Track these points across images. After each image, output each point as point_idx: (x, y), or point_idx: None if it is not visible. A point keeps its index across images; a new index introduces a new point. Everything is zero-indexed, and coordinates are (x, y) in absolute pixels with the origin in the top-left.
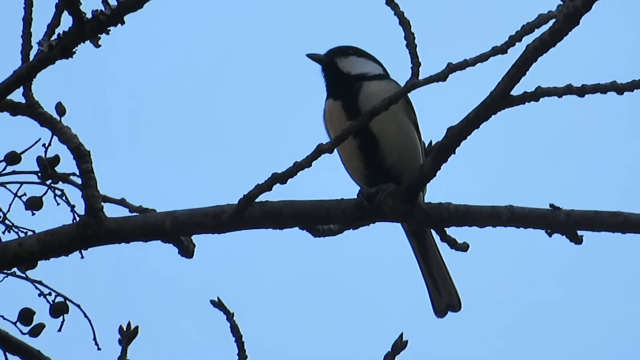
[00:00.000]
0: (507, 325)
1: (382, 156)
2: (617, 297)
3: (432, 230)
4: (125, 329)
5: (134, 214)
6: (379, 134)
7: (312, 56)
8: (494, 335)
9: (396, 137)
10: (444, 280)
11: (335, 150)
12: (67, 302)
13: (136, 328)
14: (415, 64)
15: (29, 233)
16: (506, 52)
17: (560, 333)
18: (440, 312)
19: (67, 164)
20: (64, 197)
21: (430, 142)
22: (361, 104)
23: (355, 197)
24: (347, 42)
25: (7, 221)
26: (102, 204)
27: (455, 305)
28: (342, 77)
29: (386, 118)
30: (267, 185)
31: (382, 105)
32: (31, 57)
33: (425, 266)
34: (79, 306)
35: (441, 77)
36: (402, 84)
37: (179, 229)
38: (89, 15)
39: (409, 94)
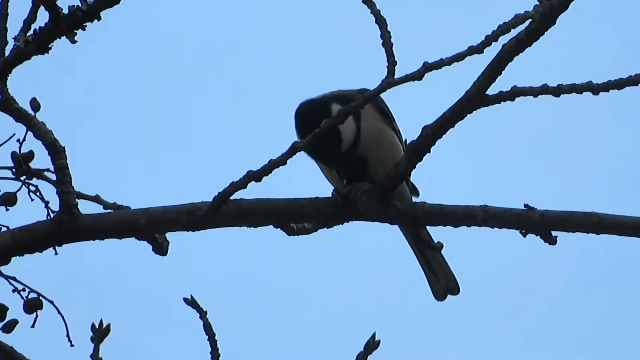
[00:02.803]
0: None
1: (371, 173)
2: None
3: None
4: (97, 327)
5: (109, 210)
6: (369, 158)
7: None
8: (473, 338)
9: (383, 153)
10: (439, 265)
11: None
12: (41, 298)
13: (108, 326)
14: (391, 63)
15: (3, 229)
16: (482, 52)
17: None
18: (439, 295)
19: (42, 160)
20: (38, 193)
21: (405, 140)
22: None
23: (330, 195)
24: (314, 45)
25: None
26: (77, 200)
27: (454, 289)
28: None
29: (372, 135)
30: (242, 183)
31: (357, 104)
32: (7, 53)
33: (419, 252)
34: (52, 302)
35: (417, 76)
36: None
37: (153, 226)
38: (65, 11)
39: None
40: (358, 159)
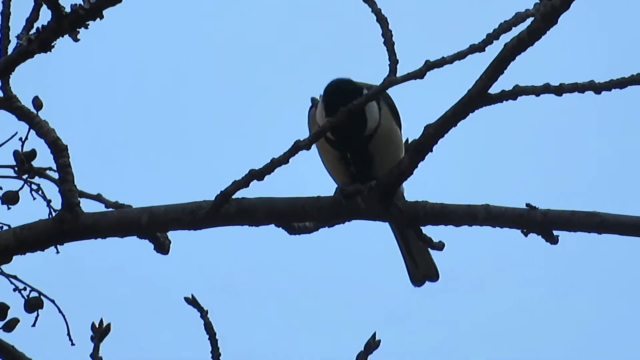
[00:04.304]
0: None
1: (374, 170)
2: (594, 297)
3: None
4: (97, 326)
5: (110, 209)
6: (376, 155)
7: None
8: (469, 335)
9: (391, 153)
10: (421, 252)
11: (316, 150)
12: (42, 297)
13: (108, 325)
14: (393, 61)
15: (5, 227)
16: (484, 50)
17: (537, 334)
18: (417, 281)
19: (44, 159)
20: (40, 192)
21: (407, 140)
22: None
23: (333, 194)
24: (317, 44)
25: None
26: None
27: (433, 276)
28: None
29: (386, 138)
30: (243, 182)
31: (360, 102)
32: (9, 51)
33: (402, 240)
34: (53, 301)
35: (419, 74)
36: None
37: (155, 225)
38: (67, 10)
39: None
40: (366, 154)
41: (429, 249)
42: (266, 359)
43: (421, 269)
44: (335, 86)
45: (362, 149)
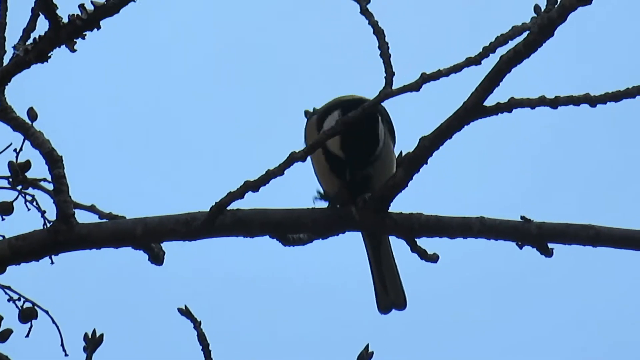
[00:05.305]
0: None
1: (371, 186)
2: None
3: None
4: (90, 337)
5: (105, 220)
6: (374, 176)
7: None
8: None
9: (387, 168)
10: (392, 277)
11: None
12: (36, 307)
13: (101, 336)
14: (389, 74)
15: None
16: (480, 63)
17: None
18: (384, 309)
19: (39, 169)
20: (34, 203)
21: (401, 152)
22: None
23: (326, 206)
24: (313, 56)
25: None
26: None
27: (401, 304)
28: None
29: (385, 159)
30: (238, 193)
31: (356, 114)
32: (5, 61)
33: (375, 261)
34: (47, 312)
35: (414, 87)
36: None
37: (149, 236)
38: (65, 20)
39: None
40: (366, 175)
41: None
42: None
43: (391, 295)
44: (352, 99)
45: (365, 171)
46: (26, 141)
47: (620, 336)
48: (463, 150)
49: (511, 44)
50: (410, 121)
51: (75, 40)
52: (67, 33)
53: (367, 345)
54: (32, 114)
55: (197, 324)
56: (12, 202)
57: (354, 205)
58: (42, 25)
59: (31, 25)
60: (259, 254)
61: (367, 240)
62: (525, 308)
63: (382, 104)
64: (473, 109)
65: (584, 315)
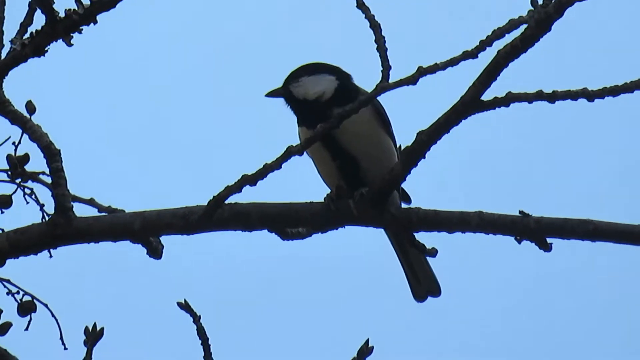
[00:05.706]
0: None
1: (363, 174)
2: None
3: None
4: (90, 330)
5: (103, 213)
6: (359, 156)
7: (270, 94)
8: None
9: (377, 157)
10: (422, 267)
11: (310, 157)
12: (35, 301)
13: (101, 329)
14: (385, 67)
15: None
16: (476, 57)
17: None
18: (420, 297)
19: (37, 163)
20: (33, 196)
21: (399, 146)
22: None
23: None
24: (309, 49)
25: None
26: (72, 203)
27: (436, 291)
28: (302, 105)
29: (366, 138)
30: (236, 187)
31: (352, 108)
32: (3, 55)
33: (403, 255)
34: (46, 305)
35: (411, 80)
36: (372, 88)
37: (148, 230)
38: (61, 14)
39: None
40: (347, 155)
41: (426, 258)
42: None
43: (424, 285)
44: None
45: (339, 149)
46: (24, 135)
47: (620, 336)
48: (461, 144)
49: (508, 37)
50: (407, 115)
51: (71, 34)
52: (63, 27)
53: (367, 340)
54: (30, 107)
55: (196, 318)
56: (11, 195)
57: (351, 199)
58: (39, 20)
59: (28, 20)
60: (258, 247)
61: (392, 238)
62: (526, 305)
63: (378, 98)
64: (470, 104)
65: (584, 313)
